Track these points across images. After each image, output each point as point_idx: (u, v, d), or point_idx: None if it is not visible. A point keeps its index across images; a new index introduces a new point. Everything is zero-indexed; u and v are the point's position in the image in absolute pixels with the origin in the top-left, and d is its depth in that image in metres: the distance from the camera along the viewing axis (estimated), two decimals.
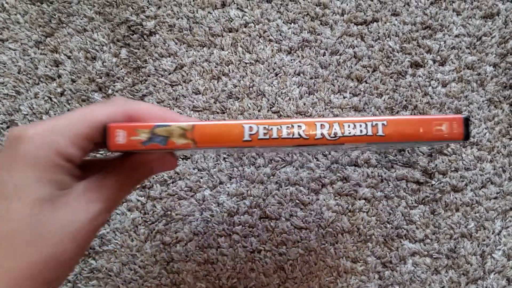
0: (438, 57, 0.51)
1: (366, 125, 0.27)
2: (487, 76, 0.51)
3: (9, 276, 0.23)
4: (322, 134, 0.27)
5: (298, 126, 0.27)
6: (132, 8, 0.50)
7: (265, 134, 0.26)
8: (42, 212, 0.24)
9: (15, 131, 0.25)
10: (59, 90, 0.48)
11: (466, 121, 0.28)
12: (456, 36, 0.52)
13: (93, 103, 0.47)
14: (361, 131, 0.26)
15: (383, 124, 0.27)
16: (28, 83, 0.48)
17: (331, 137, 0.27)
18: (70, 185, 0.26)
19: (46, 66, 0.48)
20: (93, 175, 0.27)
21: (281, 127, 0.27)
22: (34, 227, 0.24)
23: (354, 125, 0.26)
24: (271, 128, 0.27)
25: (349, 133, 0.27)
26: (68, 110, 0.47)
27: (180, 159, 0.48)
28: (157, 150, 0.26)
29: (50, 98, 0.47)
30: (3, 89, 0.47)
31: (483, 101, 0.50)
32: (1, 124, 0.46)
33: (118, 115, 0.27)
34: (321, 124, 0.27)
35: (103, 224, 0.28)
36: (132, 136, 0.26)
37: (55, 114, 0.47)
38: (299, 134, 0.27)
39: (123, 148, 0.26)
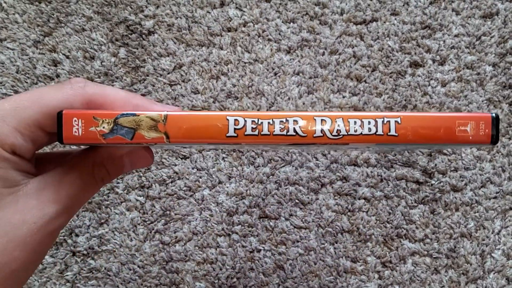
0: (438, 56, 0.51)
1: (376, 122, 0.22)
2: (487, 75, 0.51)
3: None
4: (322, 131, 0.22)
5: (294, 120, 0.22)
6: (131, 8, 0.49)
7: (253, 129, 0.22)
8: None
9: None
10: None
11: (496, 121, 0.22)
12: (456, 35, 0.51)
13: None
14: (369, 129, 0.22)
15: (396, 121, 0.22)
16: (27, 82, 0.47)
17: (333, 135, 0.22)
18: (20, 182, 0.21)
19: (44, 66, 0.48)
20: (50, 171, 0.23)
21: (273, 121, 0.22)
22: None
23: (362, 122, 0.22)
24: (261, 123, 0.22)
25: (355, 131, 0.22)
26: None
27: (179, 158, 0.48)
28: (121, 144, 0.22)
29: None
30: (1, 88, 0.47)
31: (482, 101, 0.50)
32: None
33: (76, 101, 0.22)
34: (321, 119, 0.22)
35: (61, 228, 0.23)
36: (91, 126, 0.21)
37: None
38: (295, 131, 0.22)
39: (79, 141, 0.21)
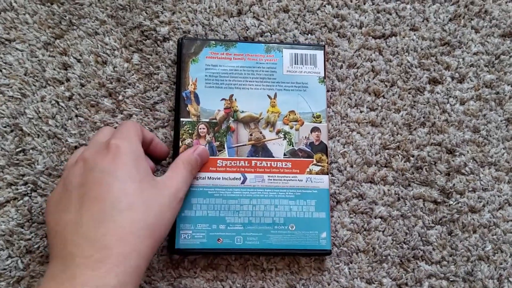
0: (457, 74, 0.50)
1: None
2: (506, 95, 0.50)
3: (123, 229, 0.32)
4: None
5: None
6: (146, 13, 0.48)
7: None
8: (149, 182, 0.35)
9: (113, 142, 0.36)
10: (67, 94, 0.46)
11: None
12: (475, 53, 0.51)
13: (102, 108, 0.46)
14: None
15: None
16: (35, 85, 0.46)
17: None
18: (153, 173, 0.38)
19: (54, 69, 0.46)
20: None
21: None
22: (143, 198, 0.34)
23: None
24: None
25: None
26: (76, 115, 0.45)
27: None
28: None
29: (58, 102, 0.45)
30: (8, 91, 0.45)
31: (501, 121, 0.49)
32: (5, 127, 0.44)
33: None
34: None
35: (182, 200, 0.39)
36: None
37: (62, 119, 0.45)
38: None
39: None
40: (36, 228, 0.42)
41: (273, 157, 0.45)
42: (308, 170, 0.45)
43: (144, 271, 0.33)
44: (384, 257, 0.45)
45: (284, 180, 0.44)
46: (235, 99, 0.45)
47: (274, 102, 0.46)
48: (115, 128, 0.39)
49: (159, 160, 0.45)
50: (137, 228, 0.33)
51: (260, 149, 0.45)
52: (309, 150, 0.45)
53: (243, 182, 0.44)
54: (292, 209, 0.44)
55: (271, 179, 0.44)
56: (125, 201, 0.33)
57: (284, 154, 0.45)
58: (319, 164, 0.45)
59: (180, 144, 0.43)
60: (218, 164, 0.44)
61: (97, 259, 0.30)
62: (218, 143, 0.44)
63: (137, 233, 0.32)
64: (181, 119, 0.44)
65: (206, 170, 0.43)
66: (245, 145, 0.45)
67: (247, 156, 0.44)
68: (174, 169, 0.39)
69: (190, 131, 0.44)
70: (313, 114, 0.46)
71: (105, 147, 0.35)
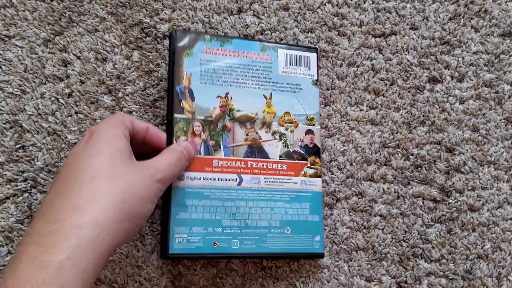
0: (456, 73, 0.50)
1: None
2: (505, 94, 0.50)
3: (81, 199, 0.30)
4: None
5: None
6: (146, 10, 0.48)
7: None
8: (122, 159, 0.33)
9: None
10: (67, 91, 0.46)
11: None
12: (474, 53, 0.51)
13: (101, 105, 0.45)
14: None
15: None
16: (35, 82, 0.45)
17: None
18: (132, 155, 0.35)
19: (54, 66, 0.46)
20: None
21: None
22: (113, 172, 0.32)
23: None
24: None
25: None
26: (76, 112, 0.45)
27: None
28: None
29: (57, 99, 0.45)
30: (7, 87, 0.45)
31: (500, 120, 0.49)
32: (4, 124, 0.44)
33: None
34: None
35: (164, 187, 0.37)
36: None
37: (61, 116, 0.45)
38: None
39: None
40: None
41: (269, 158, 0.44)
42: (302, 172, 0.44)
43: (108, 251, 0.30)
44: (383, 255, 0.45)
45: (280, 182, 0.44)
46: (231, 97, 0.44)
47: (270, 102, 0.45)
48: None
49: (161, 150, 0.40)
50: (100, 197, 0.30)
51: (256, 149, 0.44)
52: (303, 152, 0.45)
53: (239, 184, 0.43)
54: (288, 212, 0.43)
55: (267, 181, 0.43)
56: (88, 172, 0.31)
57: (280, 156, 0.44)
58: (313, 167, 0.45)
59: (174, 141, 0.41)
60: (214, 164, 0.42)
61: (48, 233, 0.28)
62: (214, 142, 0.43)
63: (97, 201, 0.29)
64: (175, 115, 0.42)
65: (201, 170, 0.42)
66: (242, 145, 0.44)
67: (244, 157, 0.44)
68: (158, 155, 0.38)
69: (184, 129, 0.42)
70: (307, 117, 0.46)
71: (84, 134, 0.35)
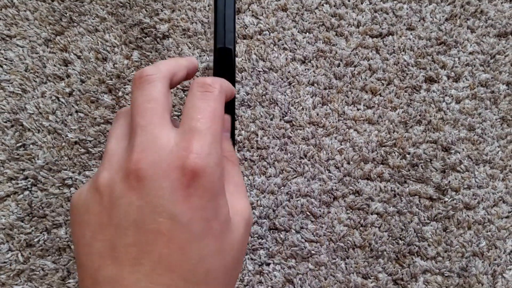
0: (452, 73, 0.51)
1: None
2: (501, 94, 0.51)
3: None
4: None
5: None
6: (146, 11, 0.48)
7: None
8: (225, 239, 0.25)
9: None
10: (67, 90, 0.46)
11: None
12: (470, 53, 0.51)
13: (101, 102, 0.46)
14: None
15: None
16: (35, 81, 0.46)
17: None
18: None
19: (54, 65, 0.47)
20: None
21: None
22: (221, 260, 0.24)
23: None
24: None
25: None
26: (76, 111, 0.46)
27: None
28: None
29: (58, 98, 0.46)
30: (8, 86, 0.46)
31: (496, 119, 0.50)
32: (5, 122, 0.45)
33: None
34: None
35: None
36: None
37: (62, 115, 0.45)
38: None
39: None
40: (36, 222, 0.43)
41: None
42: None
43: None
44: (380, 253, 0.46)
45: None
46: None
47: None
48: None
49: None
50: None
51: None
52: None
53: None
54: None
55: None
56: (201, 269, 0.23)
57: None
58: None
59: None
60: None
61: None
62: None
63: None
64: None
65: None
66: None
67: None
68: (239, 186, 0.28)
69: None
70: None
71: (178, 166, 0.22)
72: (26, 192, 0.43)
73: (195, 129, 0.23)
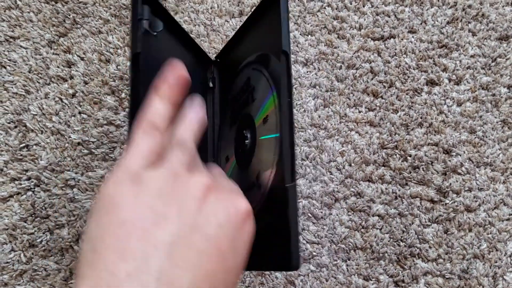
0: (454, 76, 0.51)
1: None
2: (502, 97, 0.51)
3: None
4: None
5: None
6: None
7: None
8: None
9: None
10: (70, 91, 0.46)
11: None
12: (472, 56, 0.52)
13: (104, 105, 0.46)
14: None
15: None
16: (39, 82, 0.46)
17: None
18: None
19: (58, 67, 0.47)
20: None
21: None
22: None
23: None
24: None
25: None
26: (80, 112, 0.46)
27: None
28: None
29: (61, 99, 0.46)
30: (12, 87, 0.46)
31: (497, 122, 0.50)
32: (9, 123, 0.45)
33: None
34: None
35: None
36: None
37: (65, 116, 0.46)
38: None
39: None
40: (39, 223, 0.43)
41: None
42: None
43: None
44: (381, 255, 0.46)
45: None
46: None
47: None
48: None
49: None
50: None
51: None
52: None
53: None
54: None
55: None
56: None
57: None
58: None
59: None
60: None
61: None
62: None
63: None
64: None
65: None
66: None
67: None
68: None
69: None
70: None
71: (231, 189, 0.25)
72: (29, 193, 0.44)
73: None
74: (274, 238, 0.28)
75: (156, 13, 0.30)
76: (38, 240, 0.43)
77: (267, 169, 0.29)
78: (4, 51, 0.47)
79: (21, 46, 0.47)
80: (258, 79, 0.32)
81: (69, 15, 0.48)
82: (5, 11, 0.48)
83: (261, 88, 0.31)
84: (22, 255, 0.42)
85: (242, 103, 0.33)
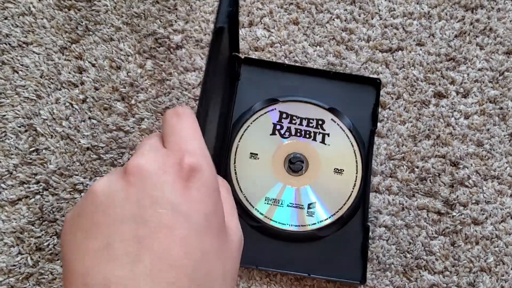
0: (461, 89, 0.51)
1: None
2: (509, 110, 0.51)
3: None
4: None
5: None
6: (160, 21, 0.49)
7: None
8: (223, 246, 0.25)
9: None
10: (81, 97, 0.47)
11: None
12: (479, 69, 0.52)
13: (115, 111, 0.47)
14: None
15: None
16: (50, 87, 0.47)
17: None
18: None
19: (69, 72, 0.47)
20: None
21: None
22: (221, 264, 0.24)
23: None
24: None
25: None
26: (89, 118, 0.46)
27: None
28: None
29: (72, 105, 0.47)
30: (24, 92, 0.46)
31: (504, 135, 0.50)
32: (19, 127, 0.45)
33: None
34: None
35: None
36: None
37: (75, 121, 0.46)
38: None
39: None
40: (47, 226, 0.43)
41: None
42: None
43: None
44: (387, 266, 0.46)
45: None
46: None
47: None
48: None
49: None
50: None
51: None
52: None
53: None
54: None
55: None
56: (203, 269, 0.22)
57: None
58: None
59: None
60: None
61: None
62: None
63: None
64: None
65: None
66: None
67: None
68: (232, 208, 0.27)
69: None
70: None
71: (175, 162, 0.23)
72: (38, 196, 0.44)
73: (184, 137, 0.24)
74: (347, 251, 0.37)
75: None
76: (45, 244, 0.43)
77: None
78: (17, 56, 0.47)
79: (33, 51, 0.48)
80: None
81: (82, 22, 0.49)
82: (18, 17, 0.48)
83: None
84: (29, 258, 0.42)
85: None
